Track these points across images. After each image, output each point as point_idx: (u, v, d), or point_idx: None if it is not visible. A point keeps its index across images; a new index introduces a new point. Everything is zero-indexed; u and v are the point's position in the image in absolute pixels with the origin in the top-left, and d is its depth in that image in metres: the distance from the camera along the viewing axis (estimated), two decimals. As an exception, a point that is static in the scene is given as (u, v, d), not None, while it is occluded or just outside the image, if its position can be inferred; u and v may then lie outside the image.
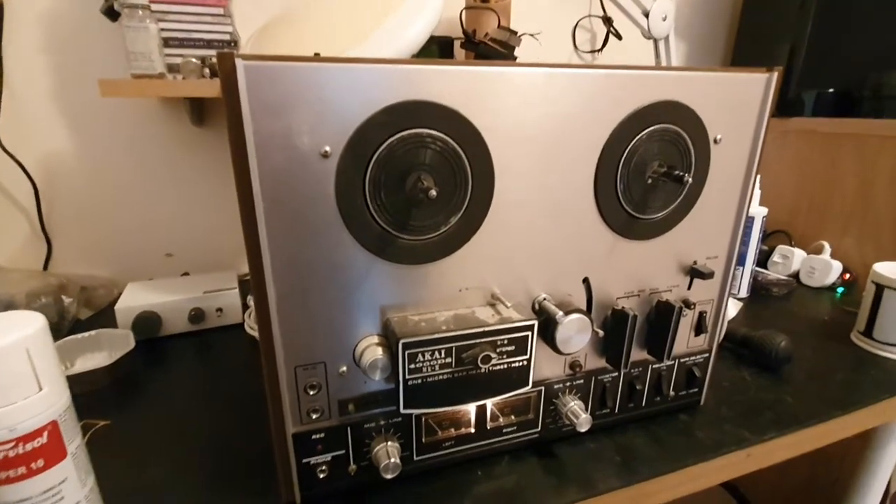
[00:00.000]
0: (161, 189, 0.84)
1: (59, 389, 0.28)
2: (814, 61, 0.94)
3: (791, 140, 0.97)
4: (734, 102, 0.42)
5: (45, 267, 0.81)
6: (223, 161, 0.85)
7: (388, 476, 0.38)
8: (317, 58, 0.30)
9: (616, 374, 0.46)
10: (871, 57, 0.94)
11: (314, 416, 0.37)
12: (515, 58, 0.80)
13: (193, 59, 0.62)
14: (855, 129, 0.86)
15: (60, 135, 0.77)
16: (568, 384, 0.45)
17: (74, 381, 0.55)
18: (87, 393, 0.55)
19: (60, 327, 0.69)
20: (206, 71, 0.62)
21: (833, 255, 0.87)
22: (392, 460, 0.38)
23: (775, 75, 0.42)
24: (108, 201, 0.82)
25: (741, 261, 0.79)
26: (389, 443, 0.39)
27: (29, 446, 0.26)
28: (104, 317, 0.75)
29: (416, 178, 0.33)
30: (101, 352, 0.63)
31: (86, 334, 0.62)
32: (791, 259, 0.88)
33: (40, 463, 0.27)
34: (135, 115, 0.79)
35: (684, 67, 0.40)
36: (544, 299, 0.40)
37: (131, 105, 0.79)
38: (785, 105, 0.97)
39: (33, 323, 0.27)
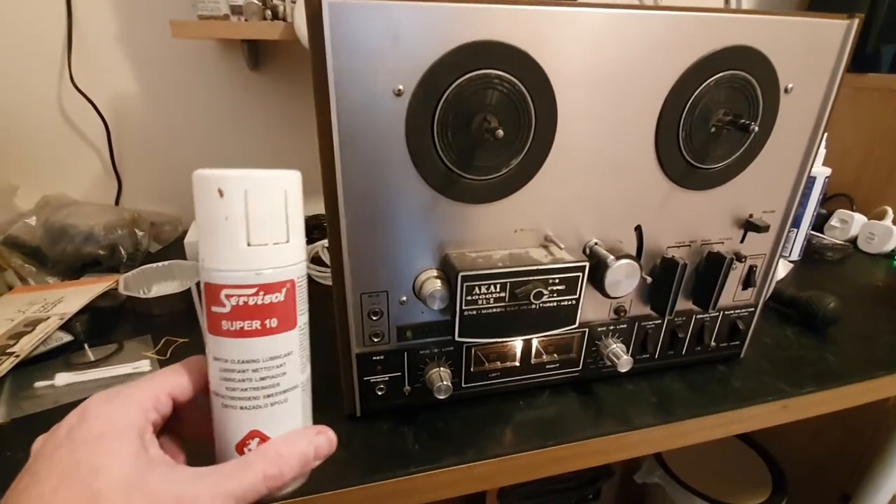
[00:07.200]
0: (219, 133, 0.88)
1: (300, 249, 0.25)
2: (898, 12, 0.86)
3: (864, 98, 0.90)
4: (809, 50, 0.40)
5: (117, 203, 0.88)
6: (278, 106, 0.88)
7: (441, 397, 0.41)
8: (394, -5, 0.31)
9: (659, 321, 0.47)
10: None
11: (375, 340, 0.41)
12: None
13: (255, 1, 0.63)
14: (938, 87, 0.80)
15: (128, 76, 0.81)
16: (611, 328, 0.46)
17: (155, 303, 0.62)
18: (165, 314, 0.61)
19: (135, 258, 0.75)
20: (268, 13, 0.64)
21: (896, 222, 0.83)
22: (444, 382, 0.41)
23: (856, 23, 0.40)
24: (171, 142, 0.87)
25: (796, 223, 0.77)
26: (441, 368, 0.42)
27: (268, 298, 0.23)
28: (171, 251, 0.81)
29: (482, 119, 0.34)
30: (174, 280, 0.69)
31: (161, 264, 0.68)
32: (850, 224, 0.85)
33: (274, 322, 0.24)
34: (194, 59, 0.82)
35: (759, 11, 0.39)
36: (595, 244, 0.42)
37: (192, 47, 0.81)
38: (861, 59, 0.90)
39: (291, 174, 0.24)
